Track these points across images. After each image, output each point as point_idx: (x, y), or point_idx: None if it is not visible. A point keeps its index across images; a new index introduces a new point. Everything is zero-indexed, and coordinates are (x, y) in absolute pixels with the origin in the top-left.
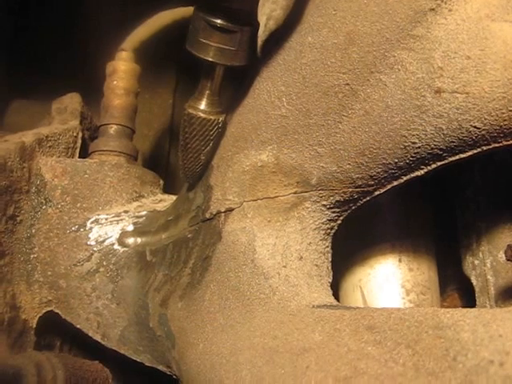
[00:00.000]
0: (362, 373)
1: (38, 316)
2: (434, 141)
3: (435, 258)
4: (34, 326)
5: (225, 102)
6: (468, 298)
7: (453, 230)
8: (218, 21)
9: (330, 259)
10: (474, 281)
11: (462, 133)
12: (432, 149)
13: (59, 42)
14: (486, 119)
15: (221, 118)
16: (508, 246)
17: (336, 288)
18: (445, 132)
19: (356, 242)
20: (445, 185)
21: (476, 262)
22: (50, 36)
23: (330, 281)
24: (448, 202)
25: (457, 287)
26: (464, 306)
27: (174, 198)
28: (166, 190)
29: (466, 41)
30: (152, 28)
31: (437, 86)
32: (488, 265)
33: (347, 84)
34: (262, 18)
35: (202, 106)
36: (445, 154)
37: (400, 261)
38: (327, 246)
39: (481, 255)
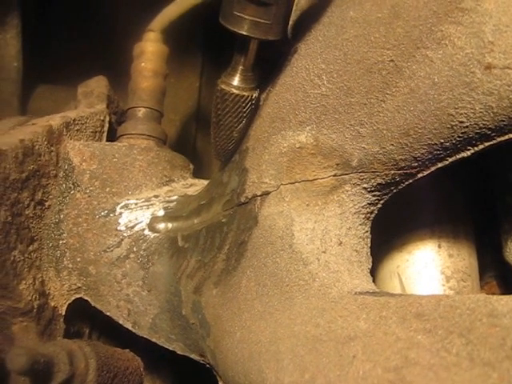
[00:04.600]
0: (414, 363)
1: (67, 303)
2: (483, 120)
3: (475, 244)
4: (64, 313)
5: (259, 78)
6: (507, 286)
7: (493, 214)
8: None
9: (370, 244)
10: None
11: None
12: (480, 128)
13: (84, 25)
14: None
15: (254, 95)
16: None
17: (372, 275)
18: (495, 110)
19: (393, 227)
20: (486, 168)
21: None
22: (74, 18)
23: (370, 267)
24: (488, 186)
25: (494, 274)
26: (503, 294)
27: (205, 182)
28: (193, 175)
29: None
30: (181, 8)
31: (487, 62)
32: None
33: (391, 60)
34: None
35: (236, 81)
36: (493, 134)
37: (439, 246)
38: (367, 231)
39: None
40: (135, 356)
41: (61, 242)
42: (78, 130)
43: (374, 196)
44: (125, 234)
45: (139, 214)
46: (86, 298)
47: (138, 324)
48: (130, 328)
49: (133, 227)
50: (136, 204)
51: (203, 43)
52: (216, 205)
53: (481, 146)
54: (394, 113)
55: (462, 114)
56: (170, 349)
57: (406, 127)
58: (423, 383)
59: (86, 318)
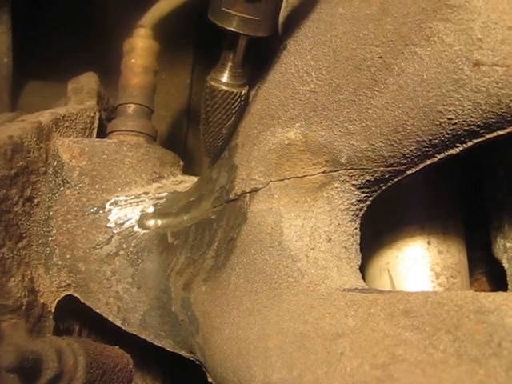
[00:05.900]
0: (401, 359)
1: (56, 300)
2: (471, 117)
3: (464, 241)
4: (53, 310)
5: (248, 74)
6: (496, 282)
7: (482, 211)
8: None
9: (359, 241)
10: (505, 264)
11: (501, 108)
12: (469, 125)
13: (75, 21)
14: None
15: (243, 91)
16: None
17: (362, 271)
18: (483, 107)
19: (383, 223)
20: (475, 164)
21: (508, 244)
22: (65, 14)
23: (359, 264)
24: (478, 183)
25: (484, 271)
26: (493, 291)
27: (194, 179)
28: (184, 171)
29: (507, 11)
30: (172, 4)
31: (475, 59)
32: None
33: (380, 57)
34: None
35: (224, 78)
36: (482, 131)
37: (429, 243)
38: (356, 228)
39: None
40: (125, 353)
41: (50, 238)
42: (67, 127)
43: (363, 193)
44: (114, 231)
45: (129, 211)
46: (75, 295)
47: (128, 321)
48: (120, 325)
49: (122, 224)
50: (126, 201)
51: (194, 40)
52: (205, 201)
53: (469, 143)
54: (382, 109)
55: (450, 110)
56: (160, 346)
57: (395, 124)
58: (410, 380)
59: (76, 315)
